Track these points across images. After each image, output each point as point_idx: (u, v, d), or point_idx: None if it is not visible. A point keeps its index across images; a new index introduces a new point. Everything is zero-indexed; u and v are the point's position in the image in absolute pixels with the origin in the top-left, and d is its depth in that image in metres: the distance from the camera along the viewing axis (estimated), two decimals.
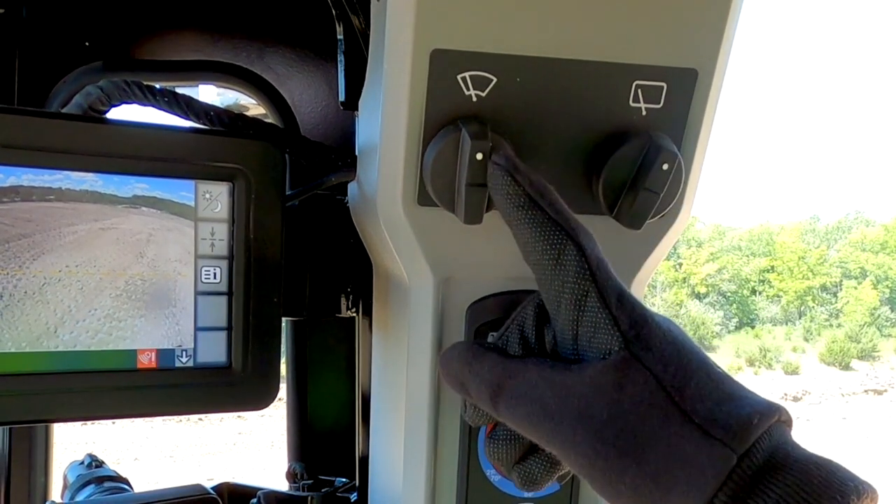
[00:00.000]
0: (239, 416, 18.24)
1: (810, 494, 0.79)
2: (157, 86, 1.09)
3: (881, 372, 30.99)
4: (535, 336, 0.95)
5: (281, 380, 1.16)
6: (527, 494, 1.15)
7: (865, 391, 26.74)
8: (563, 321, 0.91)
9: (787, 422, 0.86)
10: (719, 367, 0.87)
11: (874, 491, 0.81)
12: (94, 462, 1.40)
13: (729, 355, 32.88)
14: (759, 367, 31.74)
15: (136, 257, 1.04)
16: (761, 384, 26.94)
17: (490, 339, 1.09)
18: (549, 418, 0.88)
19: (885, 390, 26.85)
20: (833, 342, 34.77)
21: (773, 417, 0.83)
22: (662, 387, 0.84)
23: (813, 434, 19.96)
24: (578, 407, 0.86)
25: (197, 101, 1.10)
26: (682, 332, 0.90)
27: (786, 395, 25.40)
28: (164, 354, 1.07)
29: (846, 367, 32.70)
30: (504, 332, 0.96)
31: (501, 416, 0.91)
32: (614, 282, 0.90)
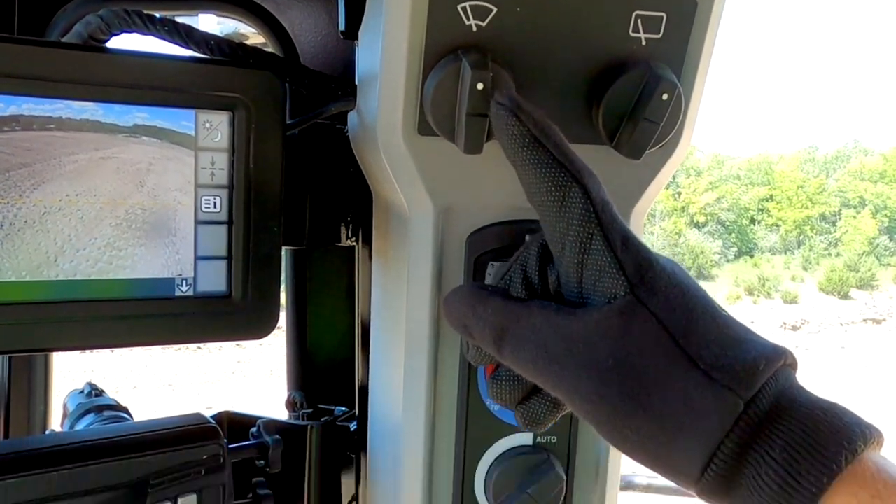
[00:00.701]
0: (238, 345, 18.29)
1: (817, 440, 0.80)
2: (158, 15, 1.08)
3: (880, 301, 31.05)
4: (538, 277, 0.94)
5: (281, 309, 1.17)
6: None
7: (864, 320, 26.80)
8: (567, 263, 0.90)
9: (793, 365, 0.86)
10: (724, 311, 0.88)
11: (881, 435, 0.82)
12: (93, 391, 1.40)
13: (728, 284, 32.95)
14: (758, 296, 31.81)
15: (137, 186, 1.04)
16: (760, 313, 27.00)
17: (491, 270, 1.09)
18: (554, 362, 0.87)
19: (884, 319, 26.93)
20: (832, 271, 34.83)
21: (778, 361, 0.83)
22: (668, 332, 0.84)
23: (812, 363, 20.03)
24: (583, 351, 0.86)
25: (197, 31, 1.10)
26: (687, 275, 0.90)
27: (784, 324, 25.46)
28: (164, 283, 1.07)
29: (845, 297, 32.77)
30: (507, 273, 0.96)
31: (505, 359, 0.91)
32: (619, 224, 0.89)
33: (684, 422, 0.82)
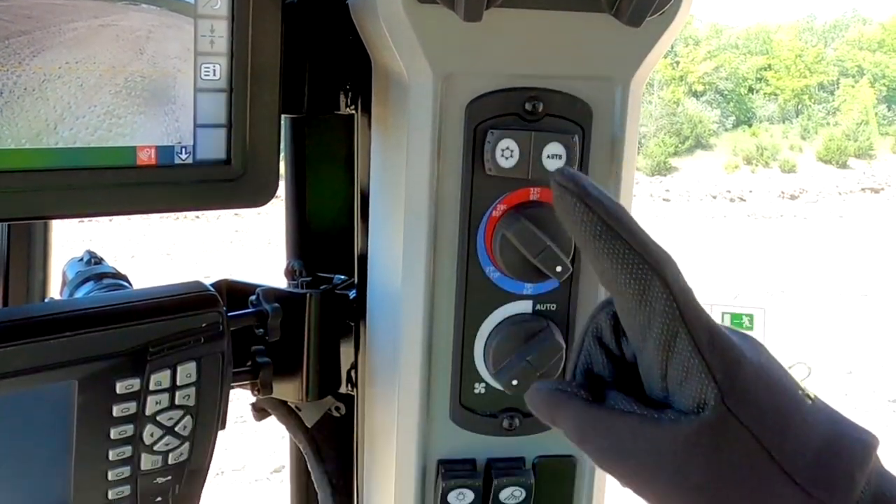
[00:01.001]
0: (236, 214, 18.26)
1: None
2: None
3: (878, 170, 31.00)
4: (616, 348, 0.91)
5: (280, 178, 1.16)
6: (525, 290, 1.17)
7: (862, 189, 26.79)
8: (650, 358, 0.86)
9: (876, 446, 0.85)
10: (807, 394, 0.86)
11: None
12: (92, 259, 1.40)
13: (726, 154, 32.86)
14: (757, 165, 31.73)
15: (136, 54, 1.03)
16: (758, 183, 26.98)
17: (490, 138, 1.09)
18: (640, 474, 0.86)
19: (882, 189, 26.91)
20: (830, 140, 34.67)
21: (870, 463, 0.83)
22: (762, 446, 0.81)
23: (810, 232, 20.08)
24: (673, 467, 0.83)
25: None
26: (770, 358, 0.87)
27: (783, 193, 25.46)
28: (164, 151, 1.07)
29: (843, 166, 32.69)
30: (581, 347, 0.93)
31: (592, 457, 0.90)
32: (704, 319, 0.84)
33: None
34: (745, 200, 24.48)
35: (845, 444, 0.83)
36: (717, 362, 0.82)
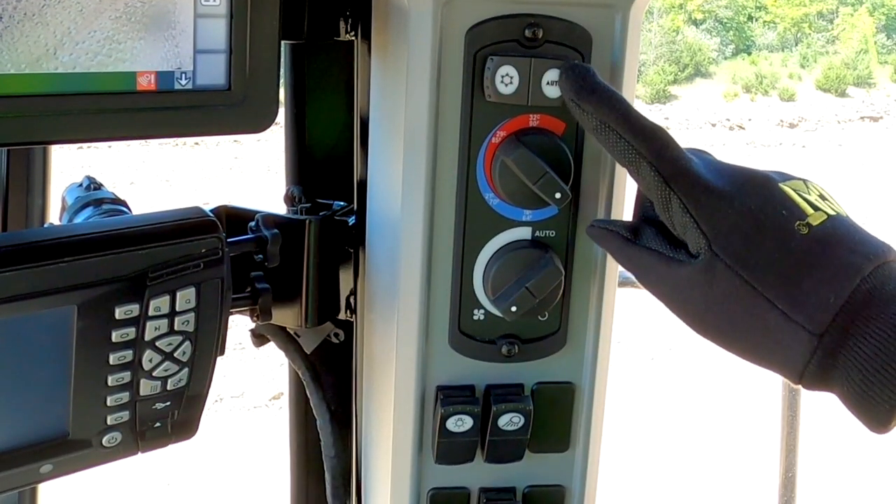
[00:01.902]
0: (235, 141, 18.24)
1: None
2: None
3: (877, 99, 30.87)
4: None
5: (280, 105, 1.16)
6: (524, 217, 1.17)
7: (861, 118, 26.67)
8: (661, 216, 1.08)
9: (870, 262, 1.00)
10: (806, 223, 1.02)
11: None
12: (92, 184, 1.40)
13: (726, 82, 32.71)
14: (756, 93, 31.58)
15: None
16: (758, 111, 26.88)
17: (490, 65, 1.09)
18: (661, 297, 1.09)
19: (881, 117, 26.80)
20: (829, 69, 34.51)
21: (852, 285, 0.97)
22: (746, 281, 1.00)
23: (809, 161, 20.04)
24: (681, 296, 1.06)
25: None
26: (768, 193, 1.05)
27: (782, 121, 25.36)
28: (164, 77, 1.06)
29: (842, 94, 32.55)
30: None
31: None
32: (690, 181, 1.04)
33: (772, 356, 1.02)
34: (744, 129, 24.41)
35: (827, 271, 0.99)
36: (704, 216, 1.02)
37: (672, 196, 1.04)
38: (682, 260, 1.05)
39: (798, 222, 1.01)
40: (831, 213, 1.03)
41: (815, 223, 1.01)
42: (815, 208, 1.03)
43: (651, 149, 1.04)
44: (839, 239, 1.00)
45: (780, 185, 1.06)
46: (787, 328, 0.99)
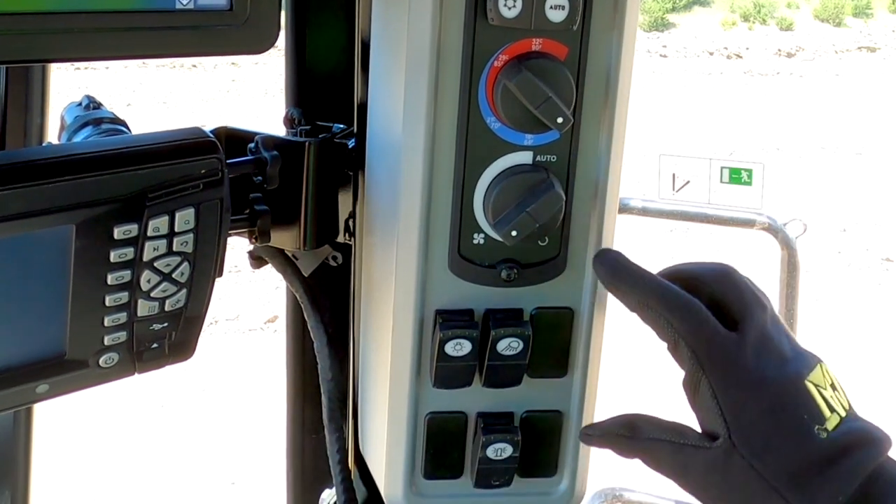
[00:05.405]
0: (233, 64, 18.16)
1: None
2: None
3: (875, 29, 30.72)
4: None
5: (281, 28, 1.15)
6: (525, 141, 1.16)
7: (859, 48, 26.57)
8: (686, 387, 1.15)
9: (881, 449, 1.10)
10: (824, 428, 1.08)
11: None
12: (91, 103, 1.39)
13: (723, 10, 32.56)
14: (754, 22, 31.41)
15: None
16: (755, 40, 26.76)
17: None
18: (678, 482, 1.15)
19: (879, 48, 26.70)
20: None
21: (858, 481, 1.05)
22: (758, 472, 1.07)
23: (806, 90, 19.99)
24: (700, 480, 1.13)
25: None
26: (792, 387, 1.11)
27: (780, 51, 25.26)
28: None
29: (840, 24, 32.41)
30: None
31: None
32: (721, 364, 1.11)
33: None
34: (741, 57, 24.33)
35: (838, 473, 1.06)
36: (729, 406, 1.10)
37: (703, 379, 1.11)
38: (697, 445, 1.12)
39: (818, 427, 1.08)
40: (842, 413, 1.10)
41: (831, 428, 1.08)
42: (832, 409, 1.09)
43: (689, 328, 1.12)
44: (849, 444, 1.07)
45: (806, 381, 1.11)
46: None
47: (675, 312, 1.13)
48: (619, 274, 1.17)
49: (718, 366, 1.11)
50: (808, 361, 1.14)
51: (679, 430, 1.15)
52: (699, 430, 1.15)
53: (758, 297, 1.19)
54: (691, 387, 1.13)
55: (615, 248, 1.25)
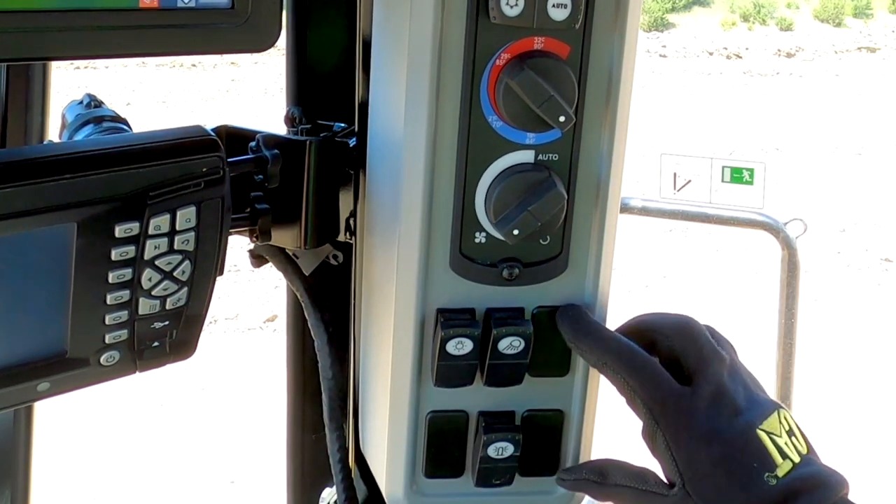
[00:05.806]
0: (232, 63, 18.17)
1: None
2: None
3: (875, 30, 30.72)
4: None
5: (282, 27, 1.15)
6: (527, 140, 1.16)
7: (858, 48, 26.56)
8: (646, 441, 1.22)
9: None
10: (773, 475, 1.14)
11: None
12: (92, 102, 1.39)
13: (723, 10, 32.56)
14: (754, 22, 31.41)
15: None
16: (755, 40, 26.74)
17: None
18: None
19: (879, 48, 26.69)
20: None
21: None
22: None
23: (806, 90, 19.98)
24: None
25: None
26: (745, 439, 1.17)
27: (779, 51, 25.24)
28: None
29: (839, 25, 32.41)
30: None
31: None
32: (674, 420, 1.18)
33: None
34: (741, 58, 24.32)
35: None
36: (682, 458, 1.16)
37: (658, 433, 1.18)
38: (656, 492, 1.20)
39: (767, 474, 1.14)
40: (796, 459, 1.16)
41: (781, 475, 1.14)
42: (784, 456, 1.15)
43: (644, 387, 1.19)
44: (798, 488, 1.12)
45: (758, 430, 1.17)
46: None
47: (630, 371, 1.19)
48: (580, 333, 1.23)
49: (671, 420, 1.18)
50: (762, 410, 1.20)
51: (643, 476, 1.22)
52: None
53: (715, 350, 1.24)
54: (649, 438, 1.20)
55: (616, 247, 1.25)
